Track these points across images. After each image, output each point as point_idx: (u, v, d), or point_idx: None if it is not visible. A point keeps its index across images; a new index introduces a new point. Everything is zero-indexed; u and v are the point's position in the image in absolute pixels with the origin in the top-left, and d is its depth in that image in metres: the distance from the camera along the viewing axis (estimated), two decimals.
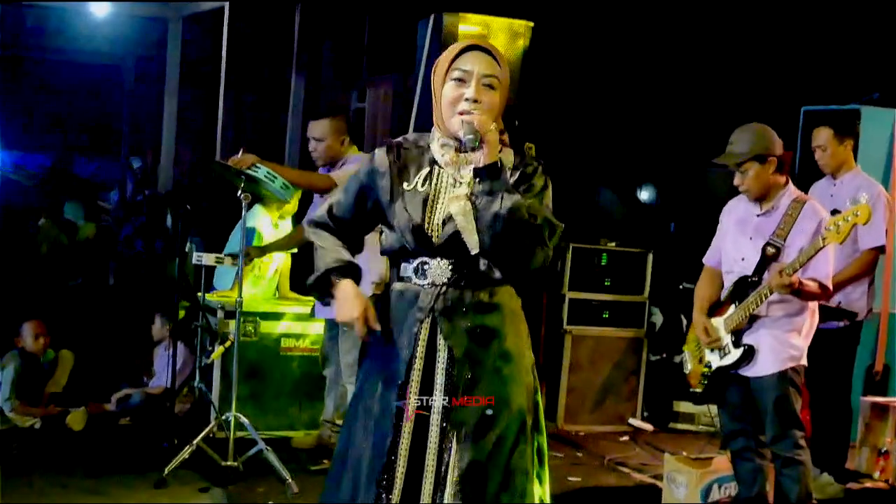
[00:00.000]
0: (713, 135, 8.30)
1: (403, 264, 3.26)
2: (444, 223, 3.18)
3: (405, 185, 3.25)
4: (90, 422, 6.63)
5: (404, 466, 3.15)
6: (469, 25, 6.73)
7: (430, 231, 3.19)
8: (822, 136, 5.99)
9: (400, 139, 3.37)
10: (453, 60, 3.22)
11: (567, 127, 9.54)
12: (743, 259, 4.92)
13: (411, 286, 3.24)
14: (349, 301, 3.22)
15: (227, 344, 6.08)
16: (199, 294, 6.37)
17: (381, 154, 3.32)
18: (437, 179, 3.25)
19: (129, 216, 10.55)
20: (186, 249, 6.51)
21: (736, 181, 4.92)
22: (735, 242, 5.01)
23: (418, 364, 3.19)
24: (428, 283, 3.21)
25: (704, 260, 5.25)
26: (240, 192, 5.79)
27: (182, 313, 6.58)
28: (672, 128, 9.40)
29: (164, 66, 12.00)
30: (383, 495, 3.14)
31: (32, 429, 6.54)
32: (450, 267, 3.19)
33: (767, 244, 4.78)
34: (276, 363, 6.69)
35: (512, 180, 3.20)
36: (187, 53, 12.19)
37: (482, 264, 3.18)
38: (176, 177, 12.27)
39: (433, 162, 3.27)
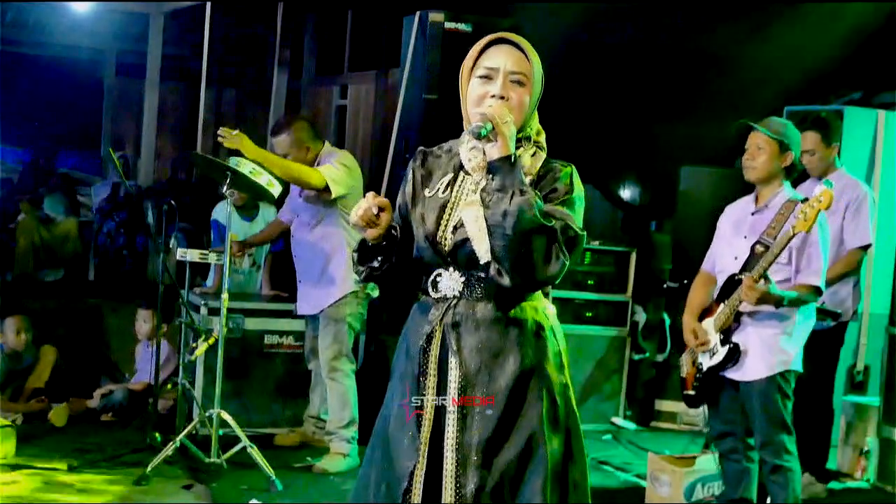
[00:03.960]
0: (696, 133, 8.37)
1: (423, 277, 3.08)
2: (454, 230, 2.99)
3: (426, 191, 3.09)
4: (72, 418, 6.61)
5: (420, 489, 2.95)
6: (454, 23, 6.73)
7: (442, 240, 3.00)
8: (810, 140, 5.87)
9: (435, 147, 3.19)
10: (479, 57, 3.03)
11: (547, 125, 9.53)
12: (736, 258, 4.91)
13: (427, 300, 3.07)
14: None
15: (211, 341, 6.04)
16: (183, 291, 6.34)
17: (410, 163, 3.17)
18: (460, 186, 3.05)
19: (111, 211, 10.48)
20: (171, 246, 6.47)
21: (746, 156, 4.89)
22: (730, 243, 5.01)
23: (431, 382, 2.99)
24: (440, 297, 3.03)
25: (702, 266, 5.23)
26: (224, 187, 5.76)
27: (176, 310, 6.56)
28: (654, 126, 9.41)
29: (144, 61, 11.98)
30: None
31: (13, 424, 6.49)
32: (462, 279, 3.00)
33: (757, 242, 4.77)
34: (259, 360, 6.66)
35: (537, 184, 2.99)
36: (168, 48, 12.18)
37: (493, 270, 2.92)
38: (156, 171, 12.24)
39: (460, 168, 3.08)
